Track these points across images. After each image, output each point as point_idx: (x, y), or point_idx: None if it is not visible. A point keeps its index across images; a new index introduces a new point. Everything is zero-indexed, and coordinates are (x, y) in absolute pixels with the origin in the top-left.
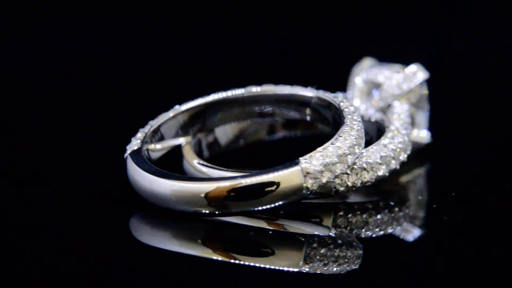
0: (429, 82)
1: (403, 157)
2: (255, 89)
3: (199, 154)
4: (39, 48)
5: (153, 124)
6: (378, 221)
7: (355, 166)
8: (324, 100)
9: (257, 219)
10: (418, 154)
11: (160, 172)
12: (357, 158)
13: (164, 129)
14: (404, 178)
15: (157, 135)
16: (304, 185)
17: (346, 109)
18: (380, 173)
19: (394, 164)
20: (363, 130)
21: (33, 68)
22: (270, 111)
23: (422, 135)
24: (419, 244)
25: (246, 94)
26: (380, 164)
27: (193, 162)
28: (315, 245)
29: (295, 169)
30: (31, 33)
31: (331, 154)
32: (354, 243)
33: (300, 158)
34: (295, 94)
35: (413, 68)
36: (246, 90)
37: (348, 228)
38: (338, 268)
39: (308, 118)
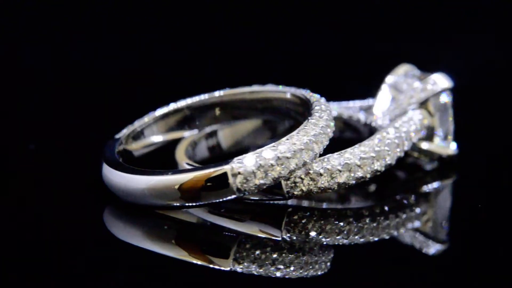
0: (461, 92)
1: (378, 166)
2: (221, 92)
3: (192, 156)
4: (34, 47)
5: (134, 126)
6: (341, 229)
7: (310, 171)
8: (300, 102)
9: (211, 215)
10: (444, 165)
11: (134, 169)
12: (305, 163)
13: (146, 131)
14: (423, 188)
15: (138, 137)
16: (233, 185)
17: (316, 113)
18: (341, 180)
19: (361, 173)
20: (325, 135)
21: (29, 66)
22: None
23: (441, 145)
24: (376, 256)
25: (226, 98)
26: (340, 171)
27: (182, 163)
28: (248, 246)
29: (223, 167)
30: (26, 32)
31: (268, 156)
32: (304, 249)
33: (235, 158)
34: (269, 98)
35: (434, 76)
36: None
37: (303, 233)
38: (280, 272)
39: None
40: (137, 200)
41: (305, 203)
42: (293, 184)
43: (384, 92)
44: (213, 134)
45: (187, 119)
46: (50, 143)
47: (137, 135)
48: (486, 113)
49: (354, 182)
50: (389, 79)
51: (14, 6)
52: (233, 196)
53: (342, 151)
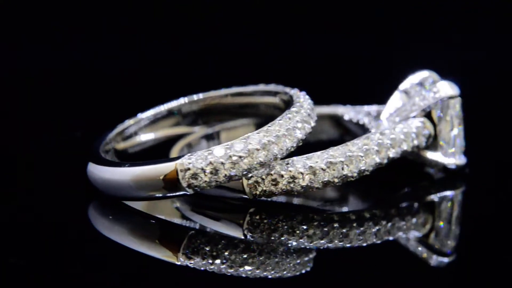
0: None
1: (348, 171)
2: (201, 96)
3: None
4: (34, 47)
5: (125, 125)
6: (305, 233)
7: (272, 172)
8: (285, 107)
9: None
10: (451, 174)
11: (117, 162)
12: (262, 164)
13: (138, 131)
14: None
15: (128, 137)
16: (182, 180)
17: (288, 114)
18: (304, 183)
19: (327, 177)
20: (290, 136)
21: (29, 66)
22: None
23: (445, 155)
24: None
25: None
26: (302, 174)
27: None
28: (199, 242)
29: (171, 164)
30: (26, 32)
31: (219, 154)
32: (262, 249)
33: (187, 154)
34: (256, 103)
35: (440, 84)
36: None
37: (264, 233)
38: (231, 270)
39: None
40: (120, 193)
41: (295, 201)
42: (255, 184)
43: (395, 98)
44: (214, 135)
45: (174, 122)
46: (49, 142)
47: (127, 136)
48: (488, 115)
49: (319, 186)
50: (403, 85)
51: (14, 6)
52: (183, 192)
53: (310, 154)
